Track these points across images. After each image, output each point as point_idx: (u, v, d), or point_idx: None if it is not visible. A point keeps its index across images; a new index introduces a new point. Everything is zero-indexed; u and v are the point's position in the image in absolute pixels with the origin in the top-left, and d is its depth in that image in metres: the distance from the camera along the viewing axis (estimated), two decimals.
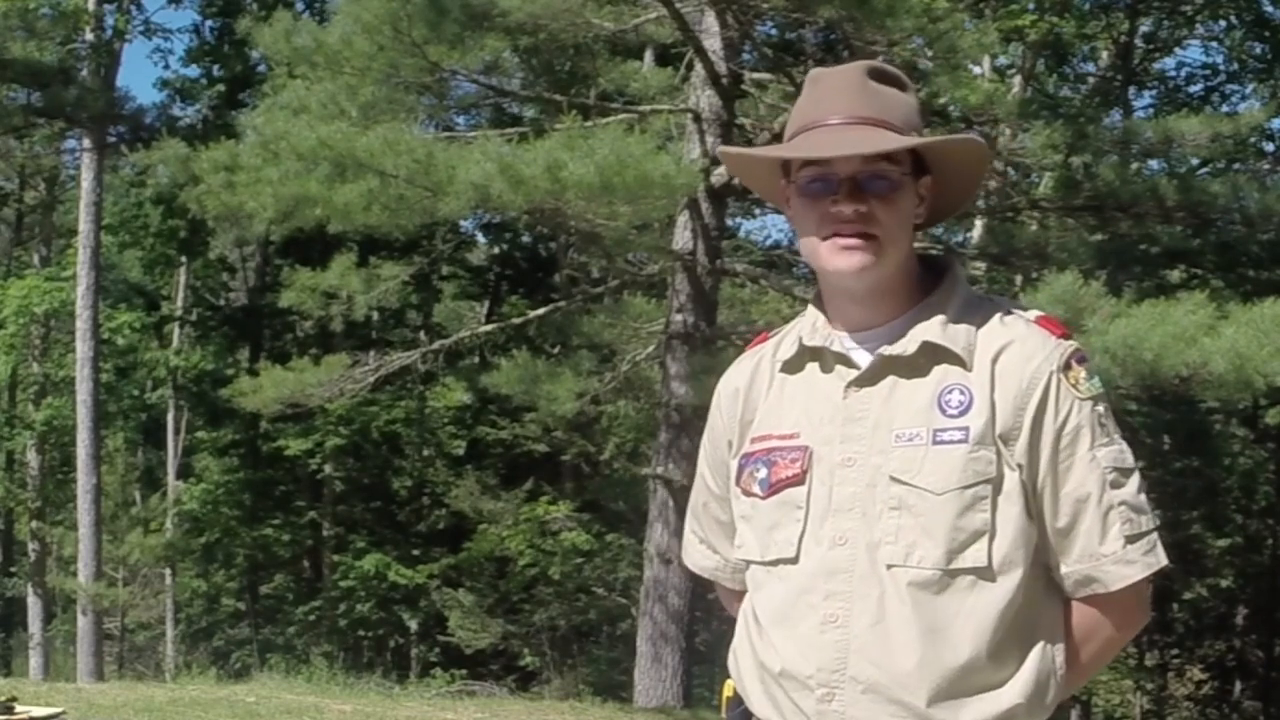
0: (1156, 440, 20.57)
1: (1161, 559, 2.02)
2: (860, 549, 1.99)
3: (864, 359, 2.05)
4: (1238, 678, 24.72)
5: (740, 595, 2.27)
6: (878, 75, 2.08)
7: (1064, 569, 2.01)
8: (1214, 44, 21.48)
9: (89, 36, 19.94)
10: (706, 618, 14.15)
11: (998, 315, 2.05)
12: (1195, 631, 24.67)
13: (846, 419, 2.03)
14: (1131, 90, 20.78)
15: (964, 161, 2.12)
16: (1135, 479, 2.02)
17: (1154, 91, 22.02)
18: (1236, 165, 18.22)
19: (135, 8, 21.12)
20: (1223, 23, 20.72)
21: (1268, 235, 14.02)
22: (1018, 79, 17.53)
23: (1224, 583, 23.48)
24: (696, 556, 2.34)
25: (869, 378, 2.03)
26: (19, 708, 7.92)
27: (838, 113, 2.04)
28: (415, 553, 23.22)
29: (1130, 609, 2.05)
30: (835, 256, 2.01)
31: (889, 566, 1.97)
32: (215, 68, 23.40)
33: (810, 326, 2.11)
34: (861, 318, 2.06)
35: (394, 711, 10.91)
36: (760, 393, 2.15)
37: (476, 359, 22.22)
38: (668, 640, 12.69)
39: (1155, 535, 2.02)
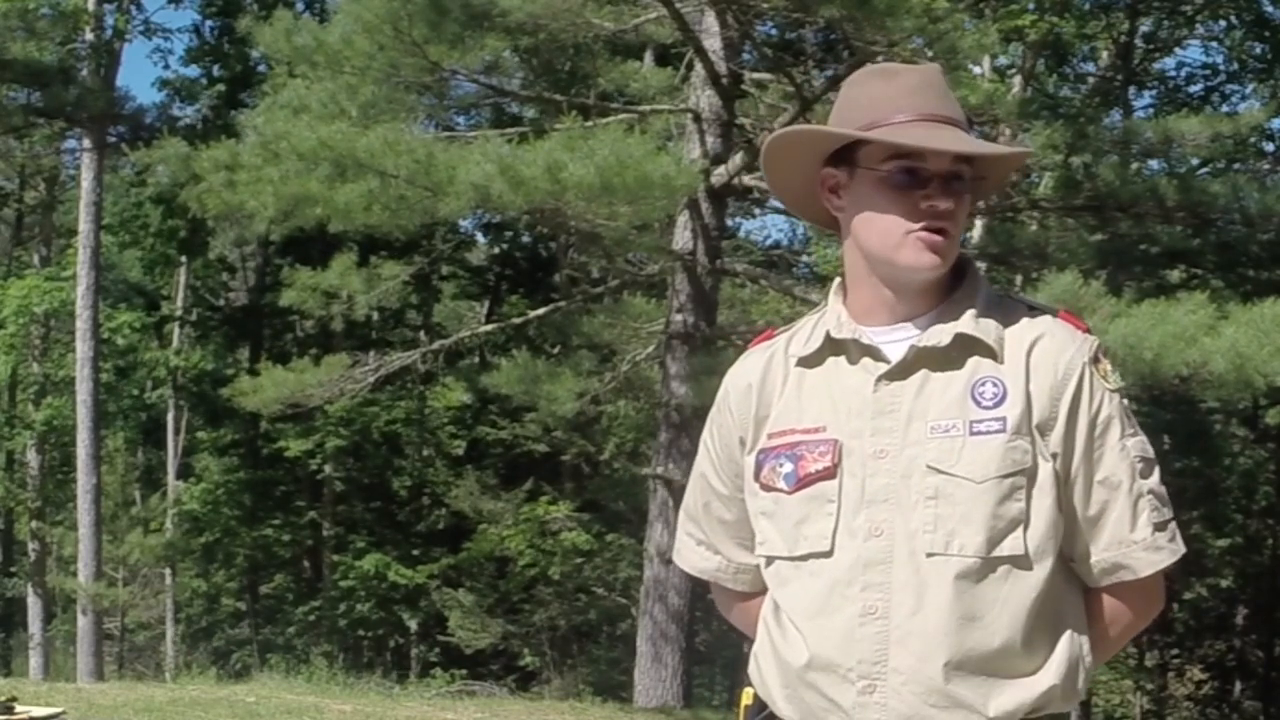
0: (1156, 440, 20.46)
1: (1182, 547, 2.08)
2: (898, 539, 1.99)
3: (892, 352, 2.05)
4: (1238, 678, 24.72)
5: (741, 596, 2.26)
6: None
7: (1093, 557, 2.05)
8: (1214, 44, 21.47)
9: (89, 36, 19.93)
10: (706, 618, 14.15)
11: (1024, 310, 2.09)
12: (1195, 631, 24.67)
13: (877, 411, 2.04)
14: (1131, 90, 20.75)
15: (1003, 173, 2.17)
16: (1157, 470, 2.07)
17: (1154, 91, 22.01)
18: (1236, 165, 18.22)
19: (135, 8, 21.14)
20: (1223, 23, 20.70)
21: (1268, 235, 14.02)
22: (1018, 79, 17.50)
23: (1224, 583, 23.48)
24: (694, 559, 2.31)
25: (900, 370, 2.04)
26: (19, 708, 7.92)
27: (917, 109, 2.05)
28: (415, 553, 23.22)
29: (1152, 596, 2.11)
30: (919, 255, 2.03)
31: (929, 555, 1.98)
32: (215, 68, 23.39)
33: (835, 320, 2.11)
34: (896, 311, 2.08)
35: (394, 711, 10.92)
36: (775, 388, 2.14)
37: (476, 359, 22.27)
38: (668, 640, 12.69)
39: (1175, 524, 2.08)
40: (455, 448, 24.63)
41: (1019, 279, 13.62)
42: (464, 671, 20.20)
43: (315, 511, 24.76)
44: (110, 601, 21.22)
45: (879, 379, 2.04)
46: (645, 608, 12.96)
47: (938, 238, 2.02)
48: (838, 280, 2.16)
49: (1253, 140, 18.80)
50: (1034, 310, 2.09)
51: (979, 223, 15.52)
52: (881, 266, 2.07)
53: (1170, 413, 19.01)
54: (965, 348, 2.04)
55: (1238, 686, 24.64)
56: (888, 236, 2.04)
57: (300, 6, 22.54)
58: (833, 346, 2.10)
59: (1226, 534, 23.12)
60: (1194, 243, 15.48)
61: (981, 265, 14.38)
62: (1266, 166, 20.33)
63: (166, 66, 29.96)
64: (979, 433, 1.99)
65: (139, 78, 69.14)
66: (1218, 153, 15.75)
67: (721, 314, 14.00)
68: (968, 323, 2.04)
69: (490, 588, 22.52)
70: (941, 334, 2.04)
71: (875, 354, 2.06)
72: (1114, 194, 13.01)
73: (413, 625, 23.42)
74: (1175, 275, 17.90)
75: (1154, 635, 22.55)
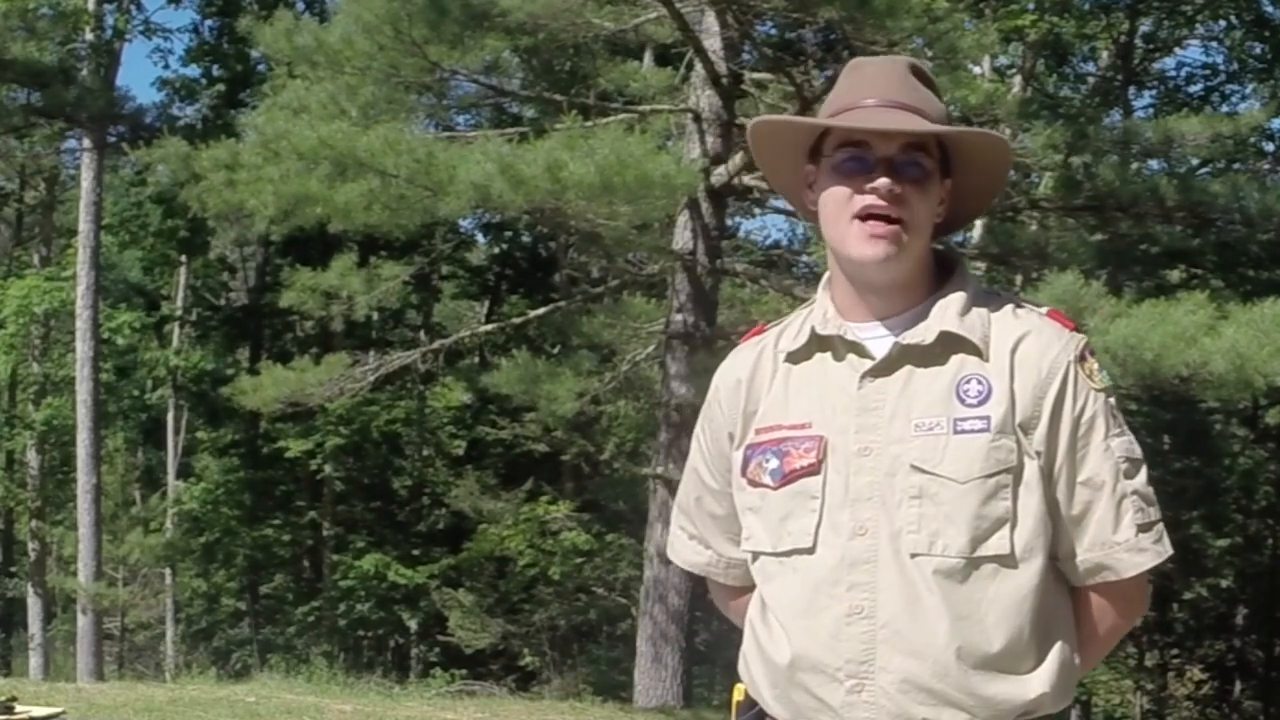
0: (1156, 440, 20.55)
1: (1168, 548, 2.06)
2: (882, 538, 1.99)
3: (878, 348, 2.05)
4: (1238, 678, 24.70)
5: (734, 591, 2.26)
6: (916, 72, 2.10)
7: (1077, 557, 2.03)
8: (1214, 44, 21.49)
9: (89, 36, 19.93)
10: (706, 618, 14.14)
11: (1010, 308, 2.08)
12: (1195, 631, 24.64)
13: (862, 408, 2.03)
14: (1131, 90, 20.78)
15: (987, 165, 2.13)
16: (1144, 470, 2.05)
17: (1154, 91, 22.04)
18: (1236, 165, 18.23)
19: (135, 8, 21.14)
20: (1223, 23, 20.72)
21: (1268, 235, 14.00)
22: (1018, 79, 17.52)
23: (1224, 583, 23.45)
24: (686, 553, 2.31)
25: (885, 367, 2.04)
26: (19, 708, 7.93)
27: (875, 96, 2.05)
28: (415, 553, 23.21)
29: (1135, 598, 2.09)
30: (863, 244, 2.01)
31: (913, 555, 1.98)
32: (215, 67, 23.40)
33: (822, 316, 2.10)
34: (876, 308, 2.07)
35: (394, 711, 10.92)
36: (763, 383, 2.14)
37: (476, 359, 22.26)
38: (668, 640, 12.69)
39: (1162, 525, 2.06)
40: (455, 448, 24.63)
41: (1019, 279, 13.62)
42: (464, 671, 20.17)
43: (315, 511, 24.74)
44: (110, 601, 21.21)
45: (864, 376, 2.04)
46: (645, 608, 12.96)
47: (880, 229, 2.00)
48: (827, 275, 2.15)
49: (1253, 140, 18.81)
50: (1021, 308, 2.08)
51: (979, 223, 15.53)
52: (843, 262, 2.07)
53: (1170, 413, 19.00)
54: (949, 345, 2.03)
55: (1238, 686, 24.62)
56: (835, 226, 2.04)
57: (300, 6, 22.52)
58: (819, 342, 2.09)
59: (1226, 534, 23.08)
60: (1194, 243, 15.48)
61: (981, 265, 14.44)
62: (1266, 166, 20.35)
63: (166, 66, 29.94)
64: (963, 430, 1.98)
65: (139, 78, 69.23)
66: (1218, 153, 15.75)
67: (721, 314, 14.00)
68: (952, 320, 2.03)
69: (490, 588, 22.51)
70: (926, 331, 2.03)
71: (860, 350, 2.05)
72: (1114, 194, 13.00)
73: (413, 625, 23.41)
74: (1175, 275, 17.91)
75: (1154, 635, 22.55)
